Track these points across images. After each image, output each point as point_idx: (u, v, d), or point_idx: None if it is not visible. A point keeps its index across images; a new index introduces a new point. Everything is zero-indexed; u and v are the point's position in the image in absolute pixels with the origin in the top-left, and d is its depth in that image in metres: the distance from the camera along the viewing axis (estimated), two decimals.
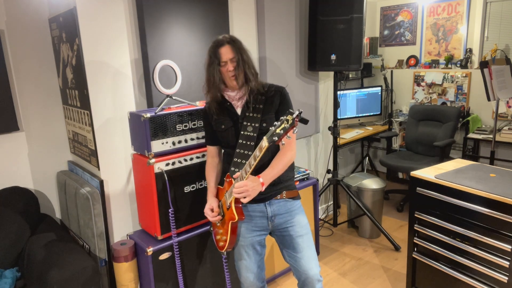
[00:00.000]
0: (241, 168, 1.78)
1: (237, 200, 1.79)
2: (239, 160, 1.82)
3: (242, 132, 1.84)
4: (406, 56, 4.81)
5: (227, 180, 1.86)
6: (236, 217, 1.78)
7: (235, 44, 1.78)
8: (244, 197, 1.69)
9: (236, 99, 1.88)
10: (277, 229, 1.91)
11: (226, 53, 1.77)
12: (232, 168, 1.83)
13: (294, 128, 1.53)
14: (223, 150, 2.03)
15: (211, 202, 1.93)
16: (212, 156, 2.03)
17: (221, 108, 1.89)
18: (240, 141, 1.83)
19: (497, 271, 1.95)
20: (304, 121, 1.58)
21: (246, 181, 1.69)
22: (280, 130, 1.54)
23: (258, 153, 1.63)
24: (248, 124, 1.83)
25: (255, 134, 1.81)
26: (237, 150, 1.83)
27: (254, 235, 1.90)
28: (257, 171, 1.77)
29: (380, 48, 5.04)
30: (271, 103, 1.85)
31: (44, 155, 2.55)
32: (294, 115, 1.51)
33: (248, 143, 1.82)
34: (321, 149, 3.69)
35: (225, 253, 1.95)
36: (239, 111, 1.88)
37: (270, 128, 1.58)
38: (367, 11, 3.16)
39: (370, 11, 5.01)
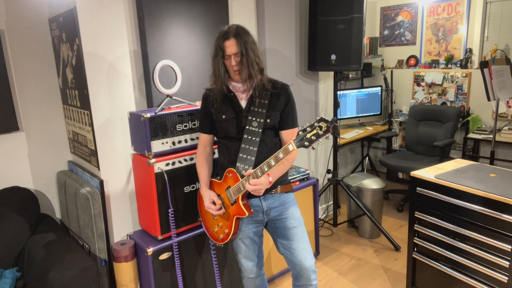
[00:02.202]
0: (247, 164, 1.80)
1: (243, 197, 1.81)
2: (244, 156, 1.82)
3: (247, 127, 1.83)
4: (406, 56, 4.81)
5: (230, 175, 1.85)
6: (247, 213, 1.80)
7: (241, 38, 1.74)
8: (256, 192, 1.72)
9: (241, 91, 1.86)
10: (271, 221, 1.94)
11: (230, 46, 1.75)
12: (238, 164, 1.82)
13: (328, 135, 1.57)
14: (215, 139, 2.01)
15: (211, 195, 1.91)
16: (205, 145, 2.00)
17: (224, 97, 1.87)
18: (246, 136, 1.83)
19: (497, 271, 1.95)
20: (333, 128, 1.60)
21: (261, 180, 1.70)
22: (312, 136, 1.57)
23: (281, 156, 1.66)
24: (253, 119, 1.83)
25: (260, 130, 1.82)
26: (243, 146, 1.83)
27: (251, 227, 1.94)
28: (255, 165, 1.79)
29: (380, 48, 5.04)
30: (277, 100, 1.85)
31: (44, 155, 2.55)
32: (329, 124, 1.55)
33: (254, 138, 1.82)
34: (321, 149, 3.69)
35: (222, 245, 1.97)
36: (243, 103, 1.87)
37: (299, 132, 1.61)
38: (367, 11, 3.16)
39: (370, 11, 5.00)
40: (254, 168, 1.78)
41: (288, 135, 1.88)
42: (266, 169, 1.70)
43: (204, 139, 2.00)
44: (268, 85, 1.83)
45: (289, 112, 1.88)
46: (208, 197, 1.91)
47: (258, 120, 1.82)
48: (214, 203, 1.90)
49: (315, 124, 1.58)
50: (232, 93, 1.87)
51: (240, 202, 1.81)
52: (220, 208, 1.89)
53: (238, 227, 1.89)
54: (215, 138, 2.01)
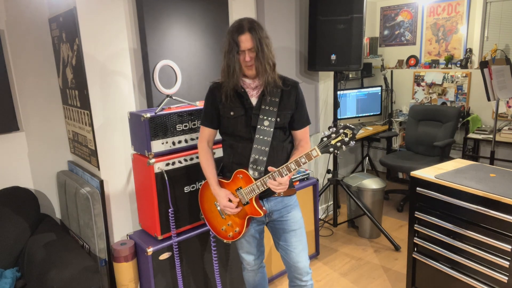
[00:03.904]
0: (259, 165, 1.78)
1: (256, 197, 1.81)
2: (257, 157, 1.78)
3: (259, 126, 1.79)
4: (406, 56, 4.81)
5: (240, 176, 1.82)
6: (262, 213, 1.81)
7: (256, 33, 1.69)
8: (280, 189, 1.73)
9: (252, 87, 1.82)
10: (271, 222, 1.94)
11: (245, 41, 1.68)
12: (251, 165, 1.79)
13: (353, 143, 1.60)
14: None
15: (227, 193, 1.84)
16: (208, 140, 1.94)
17: (234, 93, 1.81)
18: (258, 136, 1.79)
19: (497, 271, 1.95)
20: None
21: (285, 178, 1.70)
22: (337, 143, 1.60)
23: (303, 160, 1.66)
24: (265, 118, 1.79)
25: (271, 129, 1.78)
26: (255, 146, 1.79)
27: (253, 226, 1.95)
28: (266, 165, 1.77)
29: (380, 48, 5.04)
30: (288, 98, 1.82)
31: (44, 155, 2.55)
32: (356, 131, 1.58)
33: (266, 138, 1.79)
34: None
35: (230, 242, 1.95)
36: (253, 101, 1.82)
37: (323, 138, 1.63)
38: (367, 11, 3.16)
39: (370, 11, 5.01)
40: (265, 169, 1.77)
41: (303, 134, 1.87)
42: (285, 173, 1.69)
43: (209, 134, 1.93)
44: (279, 82, 1.79)
45: (301, 111, 1.87)
46: (224, 195, 1.84)
47: (270, 119, 1.79)
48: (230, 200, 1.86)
49: (340, 131, 1.59)
50: (243, 89, 1.82)
51: (254, 203, 1.81)
52: (237, 206, 1.85)
53: (249, 225, 1.90)
54: (219, 136, 1.98)
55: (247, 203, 1.83)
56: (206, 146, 1.94)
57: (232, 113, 1.82)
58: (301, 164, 1.66)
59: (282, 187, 1.71)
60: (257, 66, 1.73)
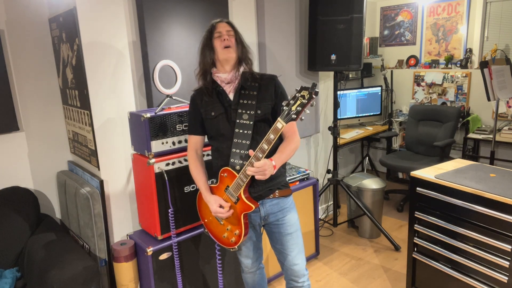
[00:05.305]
0: (240, 159, 1.76)
1: (245, 190, 1.77)
2: (237, 151, 1.77)
3: (238, 121, 1.78)
4: (406, 56, 4.81)
5: (225, 174, 1.81)
6: (253, 206, 1.76)
7: (232, 23, 1.81)
8: (261, 175, 1.66)
9: (227, 82, 1.82)
10: (267, 225, 1.93)
11: (223, 26, 1.78)
12: (232, 160, 1.78)
13: (312, 102, 1.54)
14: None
15: (216, 199, 1.84)
16: (196, 149, 1.95)
17: (213, 92, 1.84)
18: (237, 130, 1.78)
19: (497, 271, 1.95)
20: (315, 93, 1.57)
21: (264, 161, 1.65)
22: (297, 107, 1.55)
23: (272, 136, 1.62)
24: (243, 111, 1.78)
25: (251, 122, 1.77)
26: (235, 140, 1.78)
27: (250, 229, 1.95)
28: (248, 159, 1.74)
29: (380, 48, 5.04)
30: (266, 90, 1.82)
31: (44, 155, 2.55)
32: (311, 90, 1.52)
33: (245, 132, 1.77)
34: (321, 149, 3.69)
35: (237, 247, 1.89)
36: (231, 96, 1.83)
37: (284, 107, 1.58)
38: (367, 11, 3.16)
39: (370, 11, 5.01)
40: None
41: (288, 127, 1.79)
42: (260, 155, 1.65)
43: (196, 141, 1.94)
44: (255, 76, 1.81)
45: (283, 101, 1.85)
46: (213, 202, 1.84)
47: (249, 112, 1.78)
48: (221, 206, 1.84)
49: (297, 95, 1.56)
50: (220, 88, 1.83)
51: (243, 197, 1.77)
52: (229, 209, 1.83)
53: (248, 224, 1.86)
54: (207, 140, 1.97)
55: (238, 199, 1.80)
56: (194, 154, 1.95)
57: (213, 113, 1.83)
58: (271, 141, 1.62)
59: (262, 172, 1.64)
60: (235, 47, 1.77)
